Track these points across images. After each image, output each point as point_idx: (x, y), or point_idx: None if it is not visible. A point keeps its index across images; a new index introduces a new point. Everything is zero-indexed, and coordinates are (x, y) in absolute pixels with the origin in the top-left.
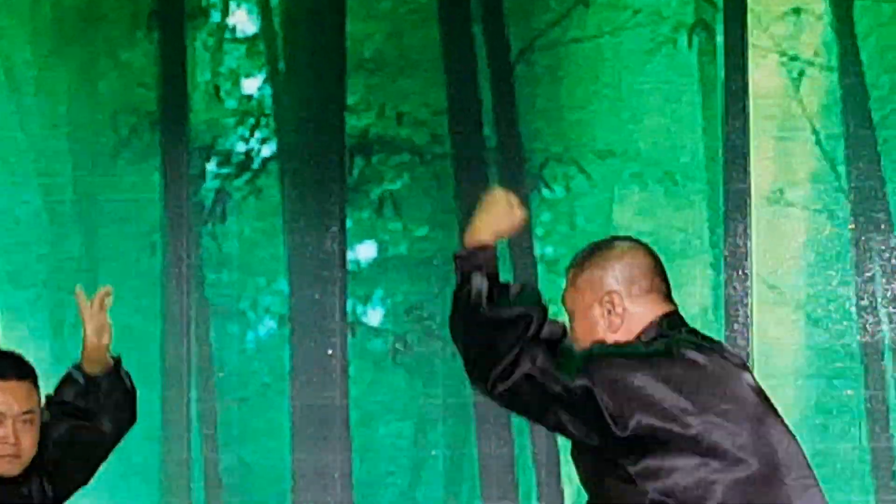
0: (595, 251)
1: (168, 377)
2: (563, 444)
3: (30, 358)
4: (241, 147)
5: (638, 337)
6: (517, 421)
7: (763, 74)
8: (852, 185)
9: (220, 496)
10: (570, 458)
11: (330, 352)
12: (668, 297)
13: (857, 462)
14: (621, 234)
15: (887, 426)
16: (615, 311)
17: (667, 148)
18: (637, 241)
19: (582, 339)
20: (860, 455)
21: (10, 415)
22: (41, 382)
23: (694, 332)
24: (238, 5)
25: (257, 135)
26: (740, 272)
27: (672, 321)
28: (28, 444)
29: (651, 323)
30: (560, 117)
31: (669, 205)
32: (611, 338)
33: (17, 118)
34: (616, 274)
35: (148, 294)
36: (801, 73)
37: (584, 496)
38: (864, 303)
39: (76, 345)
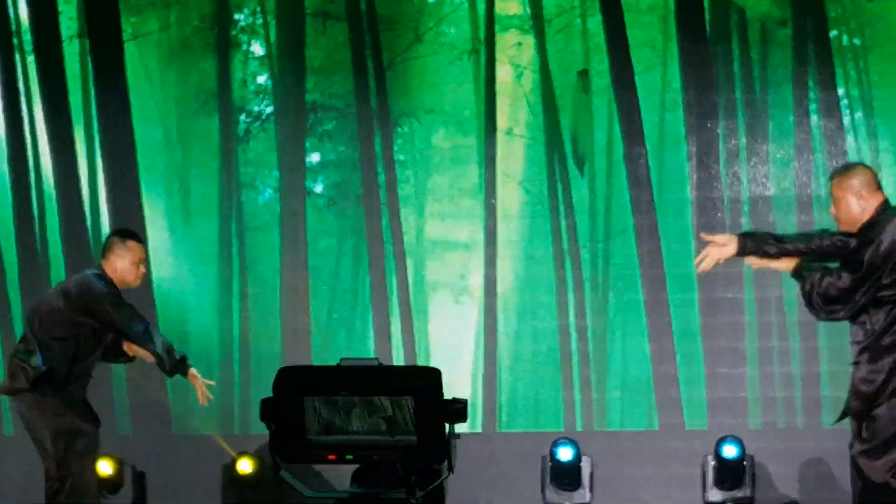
0: None
1: (222, 211)
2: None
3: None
4: (256, 108)
5: None
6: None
7: (503, 72)
8: (546, 126)
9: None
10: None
11: (294, 205)
12: None
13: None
14: (435, 152)
15: (581, 266)
16: None
17: (459, 108)
18: None
19: None
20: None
21: None
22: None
23: None
24: (252, 42)
25: (264, 103)
26: (492, 169)
27: None
28: None
29: None
30: (407, 92)
31: (458, 134)
32: None
33: (153, 101)
34: None
35: (210, 180)
36: (521, 74)
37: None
38: (551, 190)
39: (189, 210)
